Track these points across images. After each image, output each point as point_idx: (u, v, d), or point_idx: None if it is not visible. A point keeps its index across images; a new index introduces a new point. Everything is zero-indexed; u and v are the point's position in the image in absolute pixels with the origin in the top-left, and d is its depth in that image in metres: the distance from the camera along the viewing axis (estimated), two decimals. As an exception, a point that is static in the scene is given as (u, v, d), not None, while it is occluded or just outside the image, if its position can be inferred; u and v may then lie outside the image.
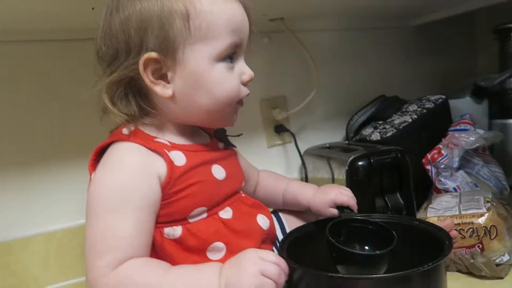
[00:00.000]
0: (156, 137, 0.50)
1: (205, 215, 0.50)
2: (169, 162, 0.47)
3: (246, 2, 0.51)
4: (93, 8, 0.59)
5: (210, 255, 0.49)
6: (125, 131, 0.50)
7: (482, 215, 0.67)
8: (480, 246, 0.66)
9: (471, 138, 0.87)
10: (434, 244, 0.53)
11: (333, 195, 0.61)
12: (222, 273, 0.41)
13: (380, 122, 1.03)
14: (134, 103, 0.49)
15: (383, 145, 0.91)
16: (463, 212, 0.69)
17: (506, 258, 0.66)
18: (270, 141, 1.03)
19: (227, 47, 0.48)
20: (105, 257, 0.42)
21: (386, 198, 0.84)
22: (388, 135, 0.95)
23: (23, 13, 0.60)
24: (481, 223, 0.66)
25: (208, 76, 0.48)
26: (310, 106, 1.04)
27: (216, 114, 0.51)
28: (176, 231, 0.48)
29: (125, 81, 0.48)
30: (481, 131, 0.90)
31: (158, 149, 0.47)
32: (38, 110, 0.75)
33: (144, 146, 0.47)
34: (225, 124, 0.56)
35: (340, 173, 0.85)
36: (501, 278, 0.65)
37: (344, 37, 1.15)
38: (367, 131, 1.02)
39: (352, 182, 0.82)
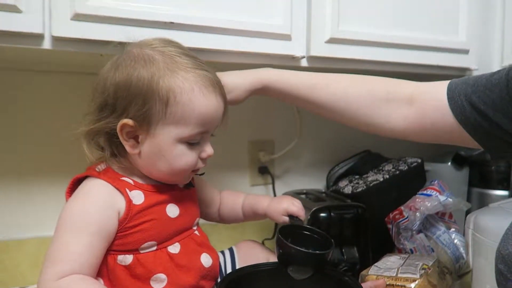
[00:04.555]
0: (122, 176, 0.60)
1: (154, 248, 0.60)
2: (128, 201, 0.57)
3: (223, 94, 0.61)
4: (101, 55, 0.71)
5: (153, 284, 0.59)
6: (98, 168, 0.61)
7: (414, 280, 0.73)
8: (408, 308, 0.72)
9: (430, 204, 0.94)
10: None
11: (285, 205, 0.72)
12: None
13: (356, 176, 1.11)
14: (108, 149, 0.60)
15: (352, 199, 0.98)
16: (399, 275, 0.75)
17: (431, 323, 0.72)
18: (252, 181, 1.13)
19: (194, 135, 0.58)
20: (55, 267, 0.52)
21: (343, 250, 0.91)
22: (358, 190, 1.02)
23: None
24: (412, 287, 0.72)
25: (170, 151, 0.58)
26: (295, 152, 1.13)
27: (171, 177, 0.62)
28: (127, 259, 0.58)
29: (106, 131, 0.58)
30: (442, 198, 0.96)
31: (121, 189, 0.58)
32: (41, 128, 0.87)
33: (110, 184, 0.58)
34: (180, 183, 0.66)
35: (305, 220, 0.93)
36: None
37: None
38: (343, 183, 1.10)
39: (313, 232, 0.90)
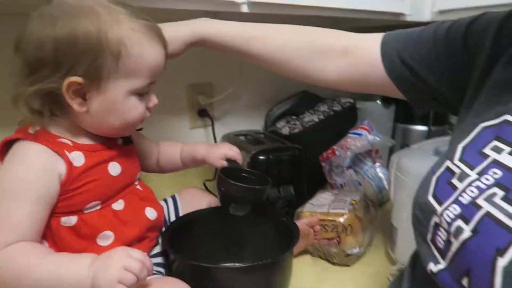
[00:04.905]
0: (60, 137, 0.58)
1: (99, 207, 0.60)
2: (69, 164, 0.56)
3: (166, 43, 0.60)
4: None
5: (99, 242, 0.60)
6: (31, 130, 0.57)
7: (343, 215, 0.82)
8: (338, 239, 0.81)
9: (360, 144, 1.02)
10: (288, 238, 0.69)
11: (223, 150, 0.76)
12: (92, 265, 0.51)
13: (293, 117, 1.15)
14: (47, 109, 0.56)
15: (289, 140, 1.03)
16: (330, 211, 0.84)
17: (356, 250, 0.82)
18: (192, 124, 1.13)
19: (144, 85, 0.58)
20: None
21: (281, 189, 0.97)
22: (295, 131, 1.08)
23: None
24: (341, 221, 0.81)
25: (122, 105, 0.57)
26: (234, 94, 1.14)
27: (122, 130, 0.62)
28: (71, 220, 0.58)
29: (45, 91, 0.54)
30: (371, 137, 1.05)
31: (60, 151, 0.56)
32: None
33: (48, 147, 0.55)
34: (128, 134, 0.66)
35: (245, 162, 0.97)
36: (348, 266, 0.81)
37: (269, 20, 1.22)
38: (280, 124, 1.14)
39: (253, 172, 0.95)
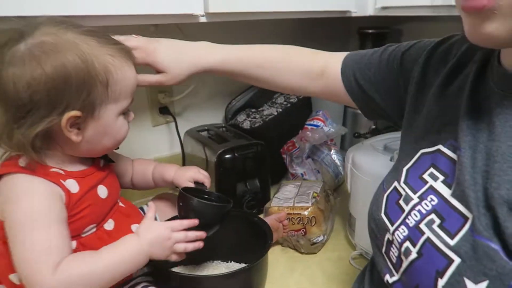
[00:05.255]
0: (51, 167, 0.59)
1: (94, 229, 0.63)
2: (66, 191, 0.58)
3: (135, 60, 0.63)
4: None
5: None
6: (21, 163, 0.57)
7: (307, 208, 0.89)
8: (304, 230, 0.89)
9: (317, 136, 1.09)
10: (262, 237, 0.76)
11: (192, 173, 0.79)
12: (139, 234, 0.59)
13: (253, 110, 1.20)
14: (39, 143, 0.56)
15: (251, 135, 1.08)
16: (295, 205, 0.91)
17: (320, 238, 0.90)
18: (154, 121, 1.14)
19: (128, 104, 0.62)
20: (43, 263, 0.52)
21: (247, 183, 1.03)
22: (256, 125, 1.13)
23: None
24: (306, 214, 0.89)
25: (114, 127, 0.61)
26: (194, 89, 1.15)
27: (112, 148, 0.66)
28: (72, 245, 0.59)
29: (45, 130, 0.54)
30: (326, 129, 1.13)
31: (56, 181, 0.57)
32: None
33: (45, 178, 0.56)
34: (114, 149, 0.69)
35: (212, 160, 1.02)
36: (315, 253, 0.91)
37: (228, 25, 1.24)
38: (241, 118, 1.18)
39: (220, 169, 1.00)
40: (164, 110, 1.15)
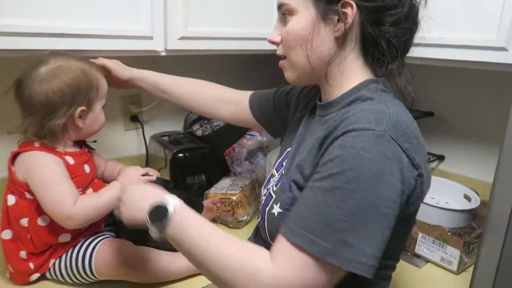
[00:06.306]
0: (56, 148, 0.89)
1: (81, 192, 0.92)
2: (66, 162, 0.88)
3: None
4: None
5: None
6: (36, 144, 0.87)
7: (235, 194, 1.21)
8: (232, 211, 1.21)
9: (251, 143, 1.41)
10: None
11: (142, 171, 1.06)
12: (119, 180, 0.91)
13: (206, 121, 1.52)
14: (60, 130, 0.87)
15: (202, 141, 1.40)
16: (227, 192, 1.23)
17: (245, 218, 1.22)
18: (126, 127, 1.44)
19: (105, 101, 0.94)
20: (66, 201, 0.83)
21: (195, 177, 1.34)
22: (206, 133, 1.44)
23: None
24: (234, 199, 1.20)
25: (100, 117, 0.94)
26: (159, 102, 1.46)
27: (97, 131, 0.96)
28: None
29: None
30: (260, 138, 1.45)
31: (59, 155, 0.88)
32: None
33: (52, 154, 0.87)
34: None
35: (169, 158, 1.32)
36: (239, 228, 1.22)
37: (186, 58, 1.56)
38: (196, 127, 1.50)
39: (174, 167, 1.30)
40: (134, 118, 1.45)
